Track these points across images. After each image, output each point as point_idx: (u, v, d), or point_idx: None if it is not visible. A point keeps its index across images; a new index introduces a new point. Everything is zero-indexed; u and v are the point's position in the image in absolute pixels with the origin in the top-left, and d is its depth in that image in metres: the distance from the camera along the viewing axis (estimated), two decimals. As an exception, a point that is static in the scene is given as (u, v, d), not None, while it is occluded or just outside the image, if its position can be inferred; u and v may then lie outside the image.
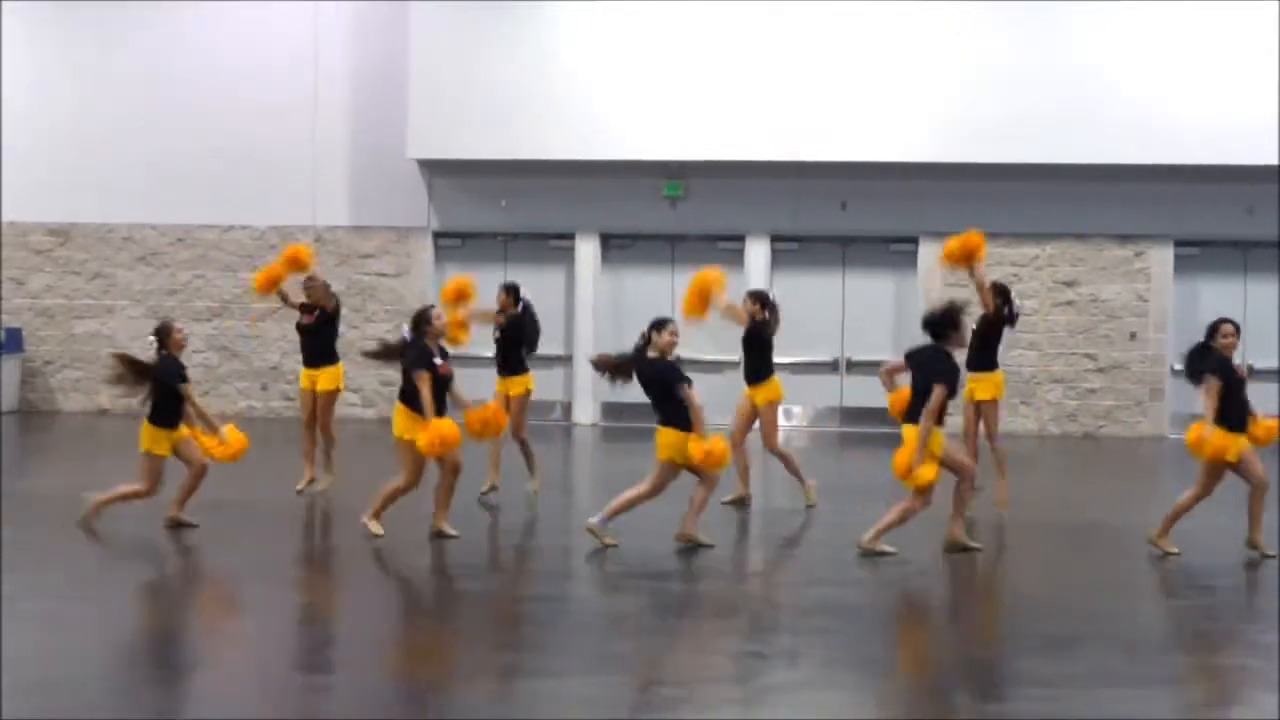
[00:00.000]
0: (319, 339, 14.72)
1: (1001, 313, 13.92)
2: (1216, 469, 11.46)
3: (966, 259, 13.55)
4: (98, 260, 23.07)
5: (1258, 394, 21.78)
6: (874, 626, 9.41)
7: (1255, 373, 21.85)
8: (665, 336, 11.80)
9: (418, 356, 11.93)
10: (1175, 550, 11.56)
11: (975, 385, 13.94)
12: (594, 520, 11.81)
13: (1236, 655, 8.77)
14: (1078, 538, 12.74)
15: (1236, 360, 11.79)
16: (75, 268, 23.10)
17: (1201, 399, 11.52)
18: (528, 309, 14.46)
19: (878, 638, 9.07)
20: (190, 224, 22.85)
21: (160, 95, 22.71)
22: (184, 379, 12.25)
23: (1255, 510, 11.61)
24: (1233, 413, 11.46)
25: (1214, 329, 11.77)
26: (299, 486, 14.35)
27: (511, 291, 14.51)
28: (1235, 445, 11.38)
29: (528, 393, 14.42)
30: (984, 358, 13.96)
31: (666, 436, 11.65)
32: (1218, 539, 12.08)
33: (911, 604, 10.39)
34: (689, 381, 11.65)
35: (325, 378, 14.63)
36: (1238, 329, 11.80)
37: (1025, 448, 20.11)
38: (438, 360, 12.00)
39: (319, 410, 14.55)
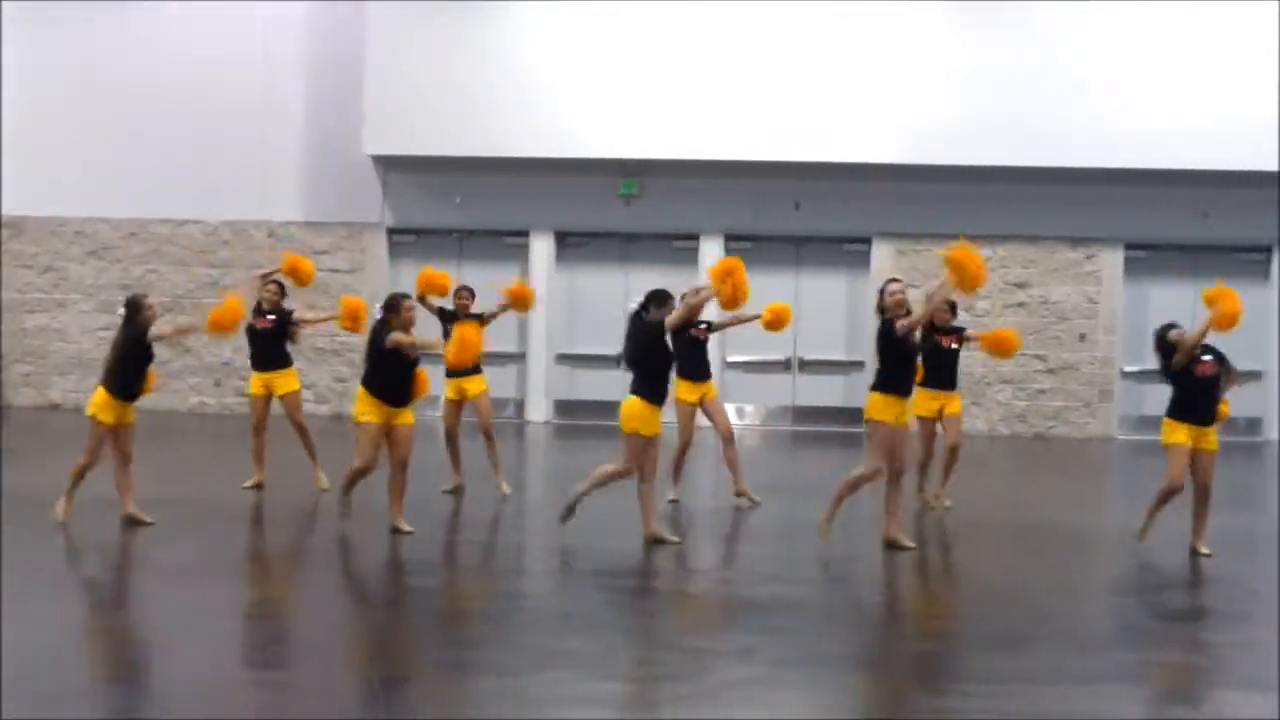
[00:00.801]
0: (274, 342, 14.52)
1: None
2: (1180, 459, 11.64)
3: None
4: (49, 254, 22.95)
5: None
6: (826, 624, 9.47)
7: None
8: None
9: (379, 335, 12.05)
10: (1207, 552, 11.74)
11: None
12: (658, 530, 11.91)
13: (1182, 653, 8.87)
14: (1027, 537, 12.84)
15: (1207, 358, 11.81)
16: (26, 261, 22.97)
17: None
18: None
19: (830, 635, 9.13)
20: (143, 218, 22.77)
21: (113, 89, 22.62)
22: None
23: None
24: (1186, 407, 11.67)
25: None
26: (246, 484, 14.33)
27: (472, 294, 14.57)
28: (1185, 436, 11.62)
29: (486, 391, 14.49)
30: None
31: (631, 408, 11.74)
32: (1165, 539, 12.19)
33: (863, 602, 10.45)
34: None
35: (283, 380, 14.48)
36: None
37: (975, 448, 20.25)
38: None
39: (289, 411, 14.41)
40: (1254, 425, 22.34)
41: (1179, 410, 11.66)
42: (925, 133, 21.15)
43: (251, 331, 14.53)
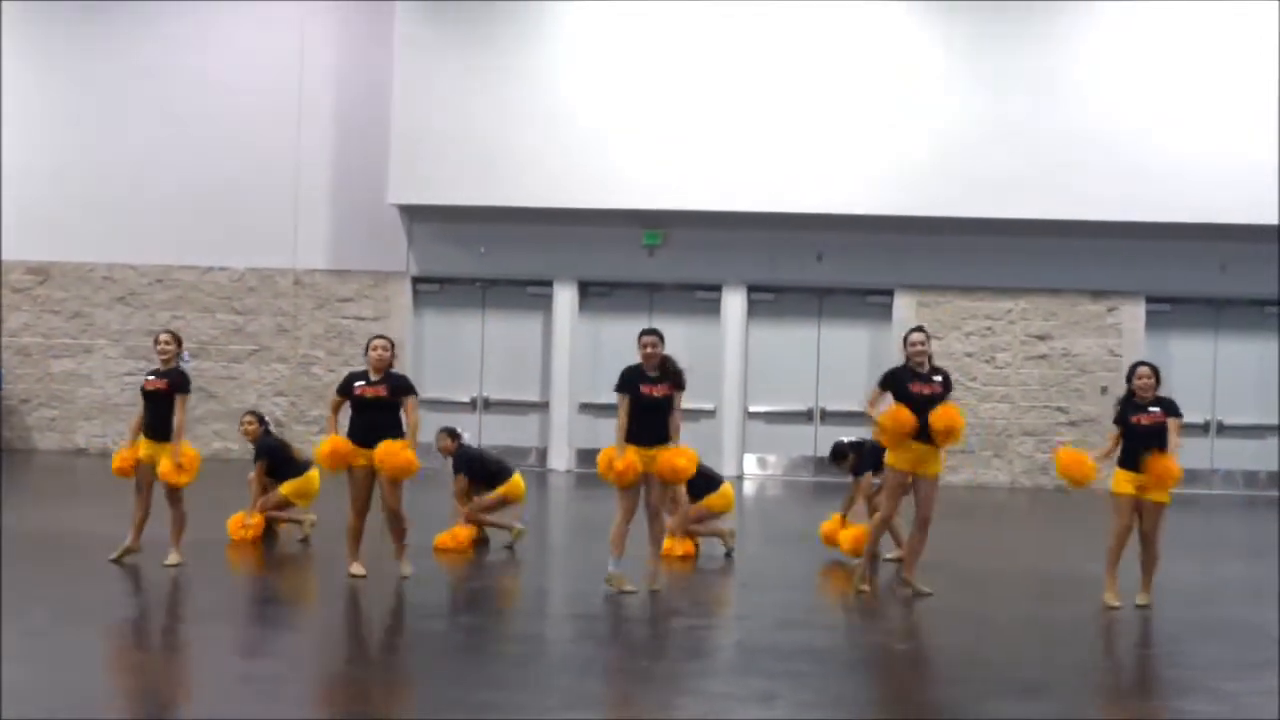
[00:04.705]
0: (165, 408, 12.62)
1: None
2: (1122, 508, 11.62)
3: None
4: (76, 299, 23.12)
5: (1229, 450, 22.22)
6: (846, 670, 9.50)
7: (1225, 428, 22.14)
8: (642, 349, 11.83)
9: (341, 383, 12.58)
10: (1117, 604, 11.65)
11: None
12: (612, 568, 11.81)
13: (1202, 702, 8.87)
14: (1047, 586, 12.85)
15: (1152, 407, 11.68)
16: (54, 306, 23.15)
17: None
18: None
19: (851, 681, 9.15)
20: (170, 264, 22.94)
21: (141, 135, 22.83)
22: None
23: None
24: (1128, 456, 11.62)
25: (1131, 372, 11.91)
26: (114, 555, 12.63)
27: None
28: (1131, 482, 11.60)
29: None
30: None
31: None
32: (1184, 590, 12.19)
33: (882, 649, 10.47)
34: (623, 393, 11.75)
35: (167, 456, 12.49)
36: (1154, 372, 11.79)
37: (997, 500, 20.25)
38: (359, 383, 12.35)
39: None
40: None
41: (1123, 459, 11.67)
42: (946, 186, 21.22)
43: (146, 393, 12.87)
